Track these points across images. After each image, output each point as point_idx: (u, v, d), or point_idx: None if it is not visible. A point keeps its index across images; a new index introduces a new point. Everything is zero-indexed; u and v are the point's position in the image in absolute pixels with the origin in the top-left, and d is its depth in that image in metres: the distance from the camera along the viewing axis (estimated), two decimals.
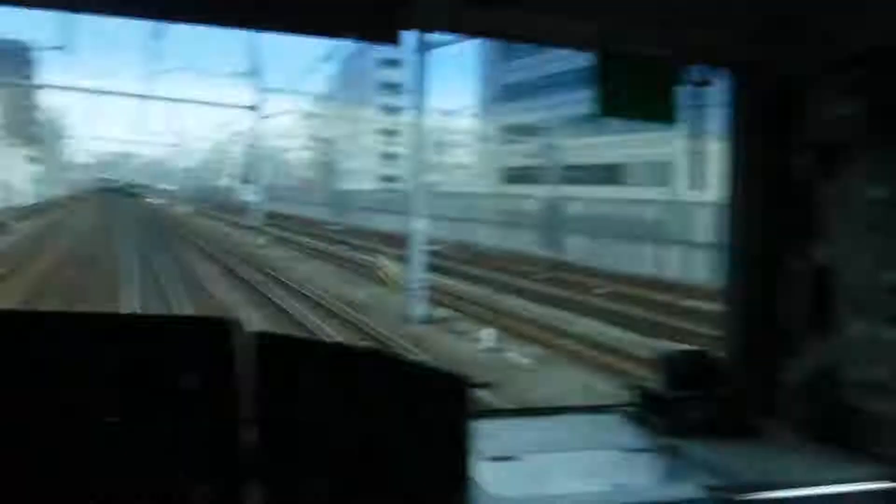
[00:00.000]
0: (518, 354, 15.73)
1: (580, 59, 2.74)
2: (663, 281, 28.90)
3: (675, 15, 2.38)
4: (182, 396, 1.92)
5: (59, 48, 34.26)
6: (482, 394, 10.82)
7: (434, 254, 31.75)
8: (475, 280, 26.98)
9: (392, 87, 76.06)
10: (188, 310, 18.13)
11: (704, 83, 2.66)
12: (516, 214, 44.46)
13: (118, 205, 73.69)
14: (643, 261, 34.46)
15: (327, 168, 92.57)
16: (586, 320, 19.90)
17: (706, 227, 28.12)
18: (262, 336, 2.02)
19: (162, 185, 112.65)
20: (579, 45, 2.67)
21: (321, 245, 38.91)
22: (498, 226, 45.54)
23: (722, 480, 2.31)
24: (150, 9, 2.26)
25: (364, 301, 21.61)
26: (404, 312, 19.31)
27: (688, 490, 2.28)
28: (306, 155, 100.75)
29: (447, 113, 55.38)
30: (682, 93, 2.66)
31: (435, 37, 19.59)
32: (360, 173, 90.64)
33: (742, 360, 2.80)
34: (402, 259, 23.99)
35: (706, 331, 14.47)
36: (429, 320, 18.94)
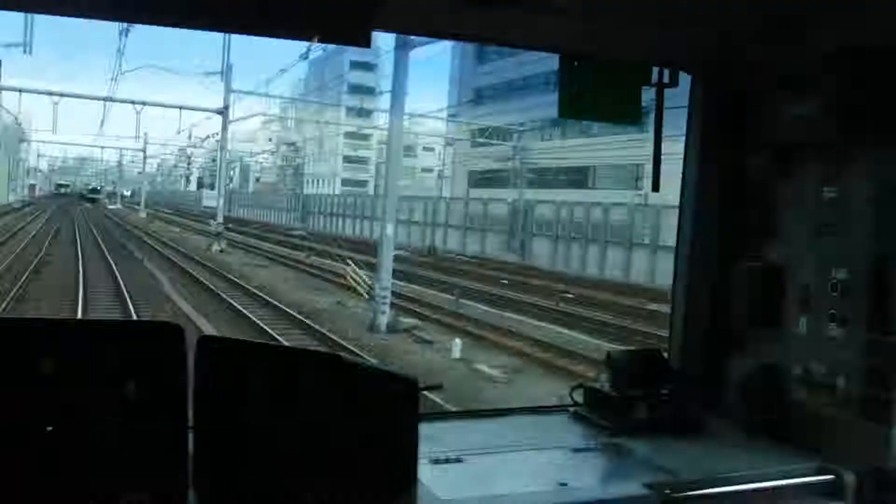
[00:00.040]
0: (489, 366, 15.02)
1: (553, 63, 2.70)
2: (630, 285, 28.65)
3: (638, 17, 2.38)
4: (128, 401, 1.92)
5: (18, 47, 32.83)
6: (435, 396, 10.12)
7: (399, 259, 31.17)
8: (441, 286, 26.31)
9: (363, 91, 75.77)
10: (146, 316, 17.22)
11: (668, 85, 2.66)
12: (483, 218, 44.07)
13: (75, 210, 72.24)
14: (611, 264, 34.20)
15: (292, 172, 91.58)
16: (556, 327, 19.47)
17: (674, 230, 27.76)
18: (211, 340, 2.06)
19: (122, 190, 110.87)
20: (544, 47, 2.70)
21: (284, 251, 37.95)
22: (465, 230, 45.03)
23: (666, 477, 2.33)
24: (116, 9, 2.24)
25: (328, 309, 20.73)
26: (369, 321, 18.50)
27: (632, 488, 2.31)
28: (271, 159, 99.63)
29: (416, 115, 54.68)
30: (647, 94, 2.67)
31: (405, 38, 18.83)
32: (326, 177, 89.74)
33: (689, 358, 2.82)
34: (369, 265, 23.26)
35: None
36: (395, 329, 18.16)
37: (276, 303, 20.79)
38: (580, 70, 2.60)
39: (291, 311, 19.48)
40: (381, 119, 70.78)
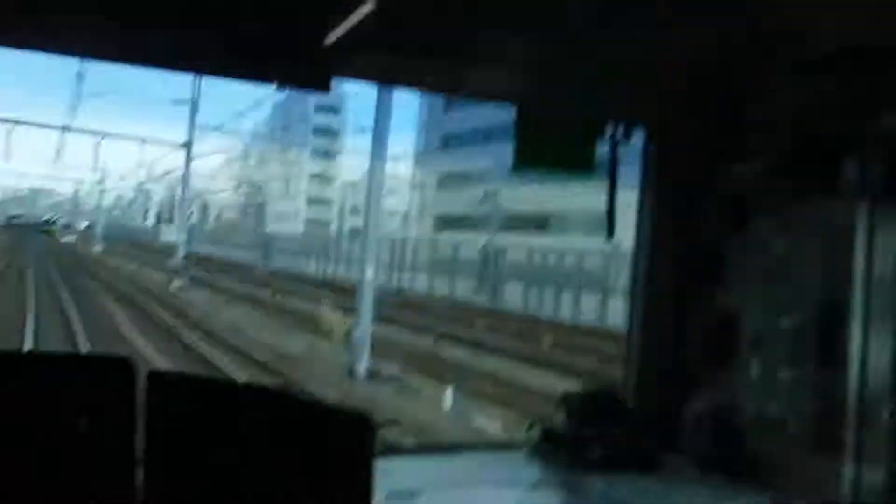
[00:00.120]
0: (485, 418, 13.97)
1: None
2: (606, 330, 27.97)
3: (595, 73, 2.50)
4: (77, 434, 1.90)
5: None
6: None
7: (358, 298, 30.11)
8: (414, 329, 25.23)
9: (328, 133, 75.38)
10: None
11: (621, 139, 2.75)
12: (453, 261, 43.32)
13: (28, 242, 70.04)
14: (585, 310, 33.55)
15: (255, 210, 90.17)
16: (540, 373, 18.57)
17: None
18: (162, 375, 2.10)
19: (78, 223, 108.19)
20: (501, 99, 2.85)
21: (246, 289, 36.59)
22: (434, 272, 44.16)
23: None
24: (79, 46, 2.30)
25: (301, 353, 19.48)
26: (347, 366, 17.31)
27: None
28: (234, 196, 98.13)
29: (376, 156, 54.02)
30: (602, 146, 2.74)
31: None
32: (289, 216, 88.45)
33: (644, 397, 2.89)
34: (342, 308, 22.09)
35: None
36: (376, 376, 16.99)
37: (242, 346, 19.54)
38: (535, 122, 2.67)
39: (259, 355, 18.26)
40: (347, 161, 70.47)
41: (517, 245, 40.85)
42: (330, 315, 22.62)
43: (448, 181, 50.32)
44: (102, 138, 38.37)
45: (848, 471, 2.39)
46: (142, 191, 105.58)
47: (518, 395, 15.86)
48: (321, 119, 77.80)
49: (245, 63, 2.28)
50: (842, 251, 2.41)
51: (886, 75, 2.29)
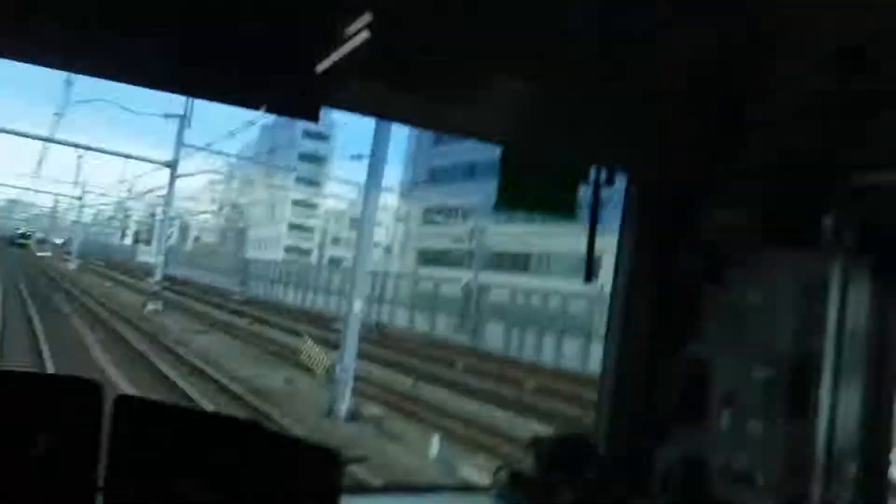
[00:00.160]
0: (472, 467, 13.28)
1: None
2: (589, 376, 27.36)
3: (580, 118, 2.54)
4: (38, 455, 1.89)
5: None
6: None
7: (338, 332, 29.35)
8: (394, 366, 24.53)
9: (314, 159, 74.96)
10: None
11: (604, 183, 2.79)
12: (434, 297, 42.66)
13: (1, 255, 68.64)
14: (568, 354, 32.97)
15: (235, 235, 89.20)
16: (521, 419, 17.98)
17: None
18: (129, 400, 2.14)
19: (55, 238, 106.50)
20: (487, 138, 2.84)
21: (224, 315, 35.69)
22: (415, 308, 43.45)
23: None
24: (72, 60, 2.27)
25: (276, 387, 18.70)
26: (326, 405, 16.53)
27: None
28: (215, 219, 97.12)
29: (362, 187, 53.54)
30: (584, 190, 2.79)
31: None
32: (270, 242, 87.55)
33: (615, 444, 2.90)
34: (323, 341, 21.36)
35: None
36: (357, 417, 16.24)
37: (215, 376, 18.76)
38: (519, 162, 2.67)
39: (233, 388, 17.48)
40: (332, 189, 69.96)
41: (501, 284, 40.30)
42: (310, 348, 21.83)
43: (433, 215, 49.81)
44: (85, 151, 37.40)
45: None
46: (122, 208, 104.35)
47: (502, 443, 15.22)
48: (308, 145, 77.48)
49: (234, 87, 2.27)
50: (815, 304, 2.44)
51: (862, 132, 2.32)
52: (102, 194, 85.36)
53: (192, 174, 50.02)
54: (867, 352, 2.44)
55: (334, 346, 21.48)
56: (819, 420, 2.43)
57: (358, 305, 17.34)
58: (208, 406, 15.30)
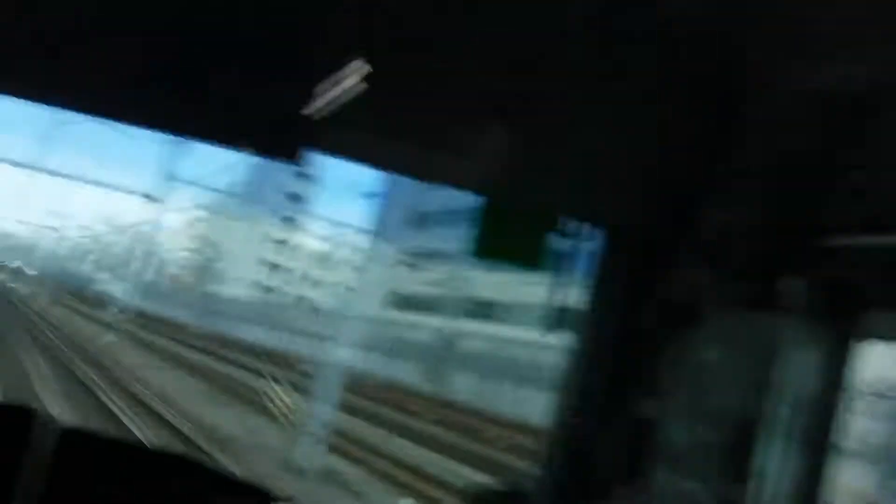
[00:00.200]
0: None
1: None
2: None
3: (548, 168, 2.54)
4: None
5: None
6: None
7: (307, 376, 28.16)
8: (362, 416, 23.30)
9: (296, 199, 74.27)
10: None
11: (574, 234, 2.80)
12: (407, 343, 41.55)
13: None
14: (541, 407, 31.80)
15: (208, 271, 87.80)
16: (488, 477, 16.86)
17: None
18: (67, 429, 2.09)
19: (24, 269, 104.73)
20: (461, 186, 2.84)
21: (186, 353, 34.35)
22: (384, 353, 42.25)
23: None
24: (53, 95, 2.30)
25: (235, 435, 17.30)
26: (291, 458, 15.03)
27: None
28: (186, 254, 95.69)
29: (341, 227, 52.61)
30: (553, 241, 2.78)
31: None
32: (242, 281, 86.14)
33: (554, 498, 2.92)
34: (290, 384, 20.12)
35: None
36: (329, 476, 14.66)
37: (170, 418, 17.48)
38: (492, 213, 2.72)
39: (188, 433, 16.21)
40: (313, 229, 69.01)
41: (476, 332, 39.27)
42: (276, 393, 20.46)
43: (411, 259, 48.86)
44: (69, 181, 36.12)
45: None
46: (98, 241, 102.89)
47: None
48: (294, 185, 76.91)
49: (217, 128, 2.28)
50: (768, 367, 2.50)
51: (829, 196, 2.37)
52: (81, 226, 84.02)
53: (176, 209, 48.72)
54: (811, 417, 2.47)
55: (301, 390, 20.30)
56: (759, 484, 2.45)
57: (345, 352, 16.04)
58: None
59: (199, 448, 15.02)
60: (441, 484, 15.45)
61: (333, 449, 16.43)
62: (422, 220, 51.17)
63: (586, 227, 2.82)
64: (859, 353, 2.46)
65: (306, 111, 2.24)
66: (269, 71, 2.24)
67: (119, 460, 2.02)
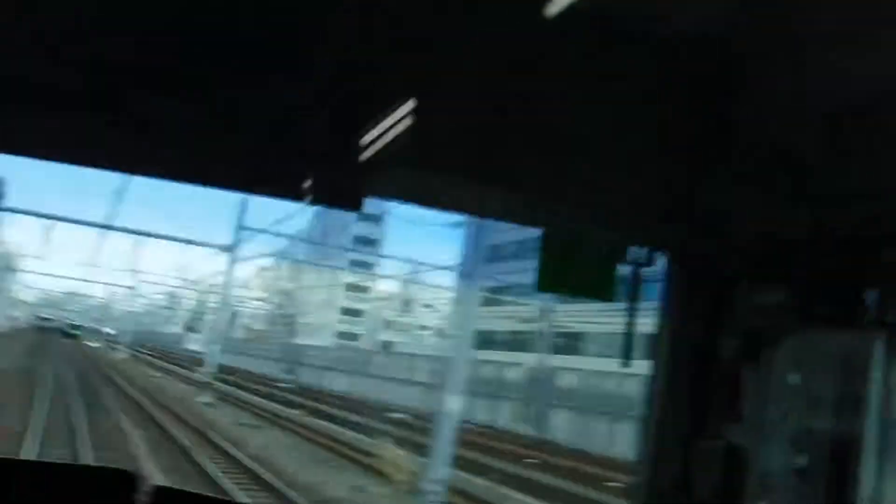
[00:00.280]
0: None
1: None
2: None
3: (614, 199, 2.51)
4: None
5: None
6: None
7: (402, 425, 27.01)
8: (461, 463, 22.03)
9: (367, 242, 74.16)
10: None
11: (643, 264, 2.75)
12: (495, 384, 40.21)
13: (53, 346, 68.27)
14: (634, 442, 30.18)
15: (285, 321, 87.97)
16: None
17: None
18: (166, 492, 2.17)
19: (105, 328, 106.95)
20: (523, 222, 2.94)
21: (276, 406, 33.63)
22: (473, 396, 40.98)
23: None
24: (115, 160, 2.33)
25: (343, 498, 16.24)
26: None
27: None
28: (265, 305, 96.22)
29: (416, 268, 51.79)
30: (622, 270, 2.75)
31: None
32: (320, 328, 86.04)
33: None
34: (394, 438, 19.02)
35: None
36: None
37: (276, 484, 16.52)
38: (557, 246, 2.70)
39: (290, 495, 15.19)
40: (385, 271, 68.66)
41: (572, 367, 37.71)
42: (383, 449, 19.29)
43: (493, 295, 47.60)
44: (140, 239, 36.01)
45: None
46: (173, 297, 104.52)
47: None
48: (361, 228, 76.80)
49: (277, 181, 2.25)
50: (857, 386, 2.36)
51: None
52: (156, 283, 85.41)
53: (246, 259, 48.53)
54: None
55: (399, 441, 19.22)
56: None
57: (455, 402, 14.86)
58: None
59: None
60: None
61: None
62: (501, 255, 50.04)
63: (655, 255, 2.75)
64: None
65: (361, 156, 2.23)
66: (321, 122, 2.21)
67: None
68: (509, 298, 45.79)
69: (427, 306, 76.08)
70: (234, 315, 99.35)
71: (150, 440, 20.76)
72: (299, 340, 76.68)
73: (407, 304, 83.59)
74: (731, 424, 2.63)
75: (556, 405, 36.27)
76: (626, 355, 2.88)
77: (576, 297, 3.00)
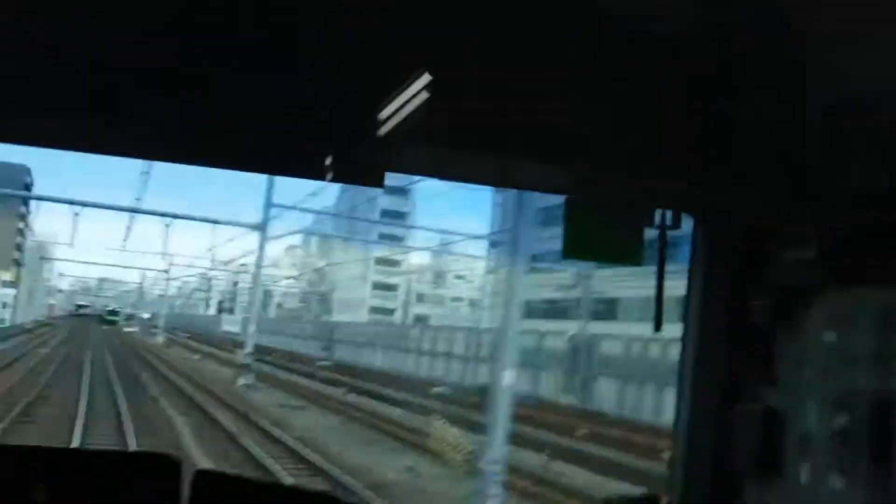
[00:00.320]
0: None
1: None
2: None
3: (637, 162, 2.50)
4: None
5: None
6: None
7: (443, 398, 26.60)
8: (515, 440, 21.55)
9: (396, 215, 73.65)
10: None
11: (670, 227, 2.74)
12: (536, 353, 39.69)
13: (91, 332, 68.93)
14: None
15: (318, 298, 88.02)
16: None
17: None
18: (211, 475, 2.27)
19: (142, 312, 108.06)
20: (550, 190, 2.87)
21: (317, 386, 33.40)
22: (516, 366, 40.51)
23: None
24: (138, 148, 2.39)
25: (398, 480, 15.77)
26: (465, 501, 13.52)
27: None
28: (295, 283, 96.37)
29: (450, 238, 51.17)
30: (649, 234, 2.73)
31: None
32: (353, 304, 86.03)
33: (691, 500, 2.83)
34: (449, 417, 18.53)
35: None
36: None
37: (325, 465, 16.13)
38: (582, 211, 2.68)
39: (349, 482, 14.77)
40: (415, 244, 68.27)
41: (613, 334, 37.06)
42: (433, 428, 18.74)
43: (534, 262, 46.93)
44: (172, 221, 35.61)
45: None
46: (205, 279, 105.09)
47: None
48: (389, 202, 76.38)
49: (295, 159, 2.30)
50: (893, 343, 2.32)
51: None
52: (188, 266, 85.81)
53: (277, 237, 48.19)
54: None
55: (446, 417, 18.79)
56: None
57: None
58: None
59: (355, 493, 13.63)
60: None
61: (517, 490, 14.71)
62: (546, 218, 49.17)
63: (681, 217, 2.72)
64: None
65: (383, 133, 2.22)
66: (340, 99, 2.20)
67: (261, 501, 2.11)
68: (544, 265, 45.04)
69: (460, 277, 75.58)
70: (268, 294, 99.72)
71: (193, 426, 20.49)
72: (333, 317, 76.71)
73: (440, 277, 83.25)
74: (768, 387, 2.61)
75: (599, 374, 35.75)
76: (659, 320, 2.82)
77: (602, 262, 3.01)
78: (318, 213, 56.59)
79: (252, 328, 36.31)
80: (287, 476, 15.44)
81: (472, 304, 68.52)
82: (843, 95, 2.29)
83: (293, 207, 39.55)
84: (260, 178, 38.73)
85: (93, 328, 78.84)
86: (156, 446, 16.41)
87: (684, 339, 2.79)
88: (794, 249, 2.56)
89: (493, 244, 49.00)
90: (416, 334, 51.75)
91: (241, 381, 32.09)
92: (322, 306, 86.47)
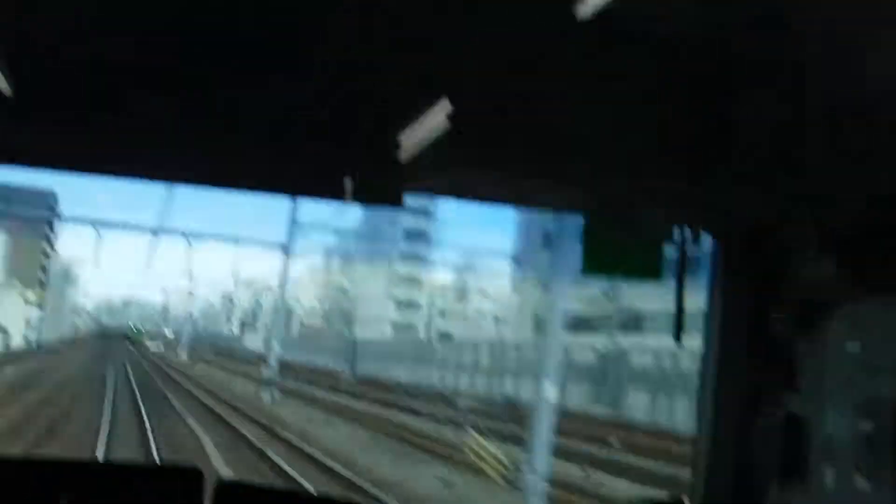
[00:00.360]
0: None
1: None
2: None
3: (662, 180, 2.53)
4: None
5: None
6: None
7: (468, 411, 26.26)
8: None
9: (418, 235, 73.76)
10: None
11: (689, 242, 2.75)
12: (564, 366, 39.29)
13: (115, 351, 69.18)
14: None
15: (341, 315, 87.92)
16: None
17: None
18: (230, 486, 2.28)
19: (164, 331, 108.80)
20: (565, 209, 2.99)
21: (341, 400, 33.07)
22: (555, 379, 40.02)
23: None
24: (171, 172, 2.39)
25: (432, 494, 15.26)
26: None
27: None
28: (318, 301, 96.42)
29: (477, 255, 50.93)
30: (670, 249, 2.73)
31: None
32: (375, 320, 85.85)
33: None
34: (454, 423, 18.08)
35: None
36: None
37: (357, 481, 15.72)
38: (601, 228, 2.69)
39: (380, 494, 14.37)
40: (437, 262, 68.20)
41: (640, 347, 36.63)
42: (489, 447, 18.08)
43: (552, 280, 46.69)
44: (193, 241, 35.54)
45: None
46: (227, 297, 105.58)
47: None
48: (411, 221, 76.50)
49: (315, 181, 2.32)
50: None
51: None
52: (211, 284, 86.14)
53: (299, 255, 48.15)
54: None
55: (477, 430, 18.38)
56: None
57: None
58: None
59: None
60: None
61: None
62: (553, 239, 48.93)
63: (700, 232, 2.71)
64: None
65: (399, 156, 2.24)
66: (359, 121, 2.22)
67: None
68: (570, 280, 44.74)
69: (483, 294, 75.26)
70: (291, 312, 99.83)
71: (220, 444, 20.17)
72: (357, 334, 76.47)
73: (462, 293, 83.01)
74: (790, 393, 2.61)
75: (627, 384, 35.38)
76: (680, 332, 2.79)
77: (623, 278, 3.06)
78: (341, 232, 56.55)
79: (274, 345, 36.04)
80: (317, 490, 15.08)
81: (496, 320, 68.02)
82: (843, 95, 2.28)
83: (316, 226, 39.41)
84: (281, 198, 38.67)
85: (117, 347, 79.14)
86: (180, 459, 16.19)
87: (706, 346, 2.79)
88: (814, 256, 2.56)
89: (517, 261, 48.75)
90: (438, 349, 51.42)
91: (266, 396, 31.79)
92: (344, 323, 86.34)
